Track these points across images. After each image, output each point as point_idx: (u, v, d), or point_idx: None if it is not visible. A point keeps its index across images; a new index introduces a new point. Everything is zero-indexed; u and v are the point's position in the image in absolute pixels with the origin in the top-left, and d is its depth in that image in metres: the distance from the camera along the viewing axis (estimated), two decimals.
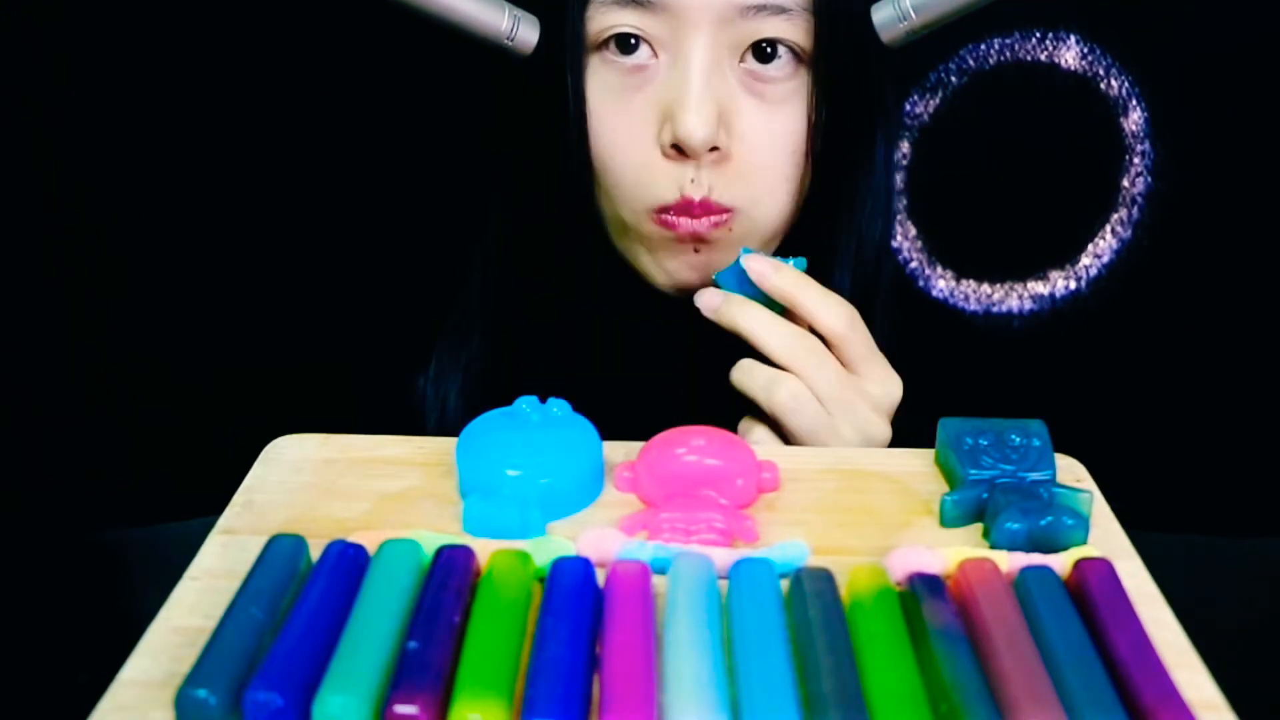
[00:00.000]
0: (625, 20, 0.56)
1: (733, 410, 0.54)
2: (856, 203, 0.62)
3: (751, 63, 0.56)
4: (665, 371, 0.62)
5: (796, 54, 0.57)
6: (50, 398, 0.75)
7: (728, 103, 0.56)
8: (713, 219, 0.57)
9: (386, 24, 0.68)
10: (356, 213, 0.76)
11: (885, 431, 0.54)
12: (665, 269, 0.60)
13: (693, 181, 0.56)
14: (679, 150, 0.55)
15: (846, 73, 0.58)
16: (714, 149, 0.56)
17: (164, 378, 0.76)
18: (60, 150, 0.72)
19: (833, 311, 0.53)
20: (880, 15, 0.56)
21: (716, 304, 0.54)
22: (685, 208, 0.56)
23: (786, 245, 0.61)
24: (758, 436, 0.54)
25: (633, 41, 0.56)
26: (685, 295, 0.60)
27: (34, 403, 0.75)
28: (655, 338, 0.62)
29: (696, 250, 0.58)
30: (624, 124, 0.57)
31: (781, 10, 0.55)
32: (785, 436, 0.53)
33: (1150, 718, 0.32)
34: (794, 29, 0.56)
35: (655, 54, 0.56)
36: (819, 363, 0.52)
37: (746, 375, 0.53)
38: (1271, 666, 0.77)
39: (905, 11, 0.55)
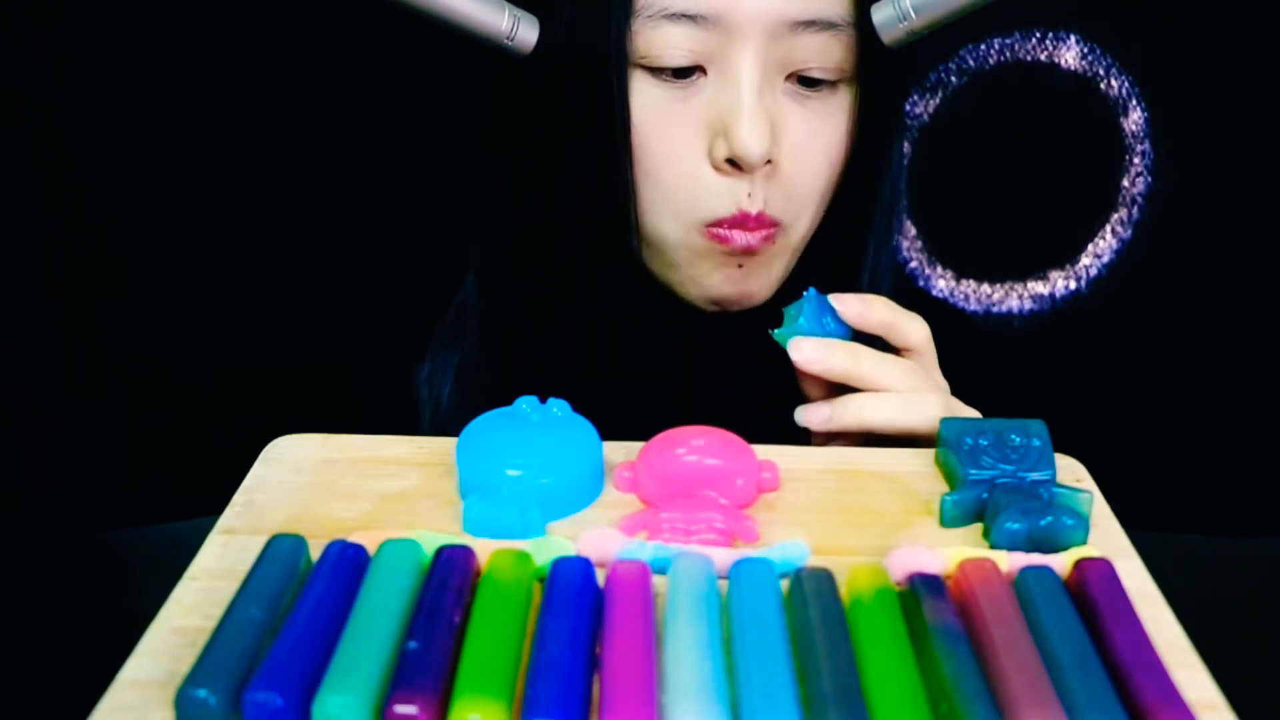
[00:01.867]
0: (674, 35, 0.55)
1: (733, 410, 0.54)
2: (879, 209, 0.63)
3: (801, 78, 0.57)
4: (665, 372, 0.62)
5: (842, 68, 0.57)
6: (50, 397, 0.75)
7: (777, 115, 0.56)
8: (764, 233, 0.57)
9: (386, 23, 0.68)
10: (356, 212, 0.76)
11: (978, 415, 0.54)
12: (704, 284, 0.59)
13: (749, 196, 0.56)
14: (732, 164, 0.55)
15: (885, 84, 0.59)
16: (767, 161, 0.56)
17: (164, 378, 0.76)
18: (60, 150, 0.72)
19: (918, 327, 0.54)
20: (880, 15, 0.56)
21: (823, 355, 0.52)
22: (741, 221, 0.56)
23: (810, 252, 0.61)
24: None
25: (680, 57, 0.56)
26: (714, 308, 0.60)
27: (34, 403, 0.75)
28: (655, 339, 0.62)
29: (740, 266, 0.58)
30: (671, 138, 0.57)
31: (830, 25, 0.55)
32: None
33: (1150, 718, 0.32)
34: (839, 44, 0.56)
35: (703, 69, 0.56)
36: (923, 379, 0.53)
37: (884, 408, 0.51)
38: (1271, 666, 0.77)
39: (905, 11, 0.55)
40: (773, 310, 0.56)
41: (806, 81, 0.57)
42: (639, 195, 0.59)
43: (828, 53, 0.56)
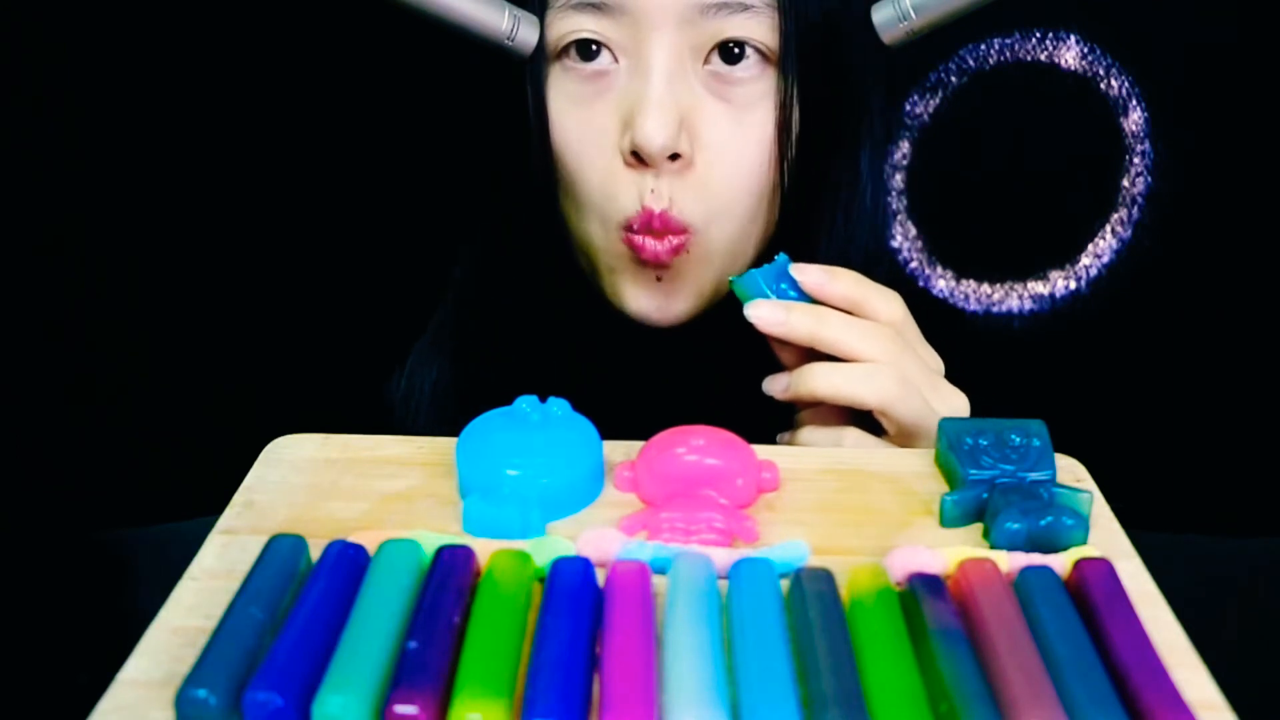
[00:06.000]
0: (584, 25, 0.54)
1: (733, 410, 0.54)
2: (839, 212, 0.60)
3: (717, 64, 0.55)
4: (664, 373, 0.62)
5: (763, 54, 0.55)
6: (51, 398, 0.76)
7: (691, 107, 0.54)
8: (673, 241, 0.55)
9: (375, 32, 0.68)
10: (356, 212, 0.76)
11: (965, 400, 0.53)
12: (627, 295, 0.58)
13: (653, 191, 0.54)
14: (638, 157, 0.54)
15: (819, 73, 0.56)
16: (676, 156, 0.54)
17: (164, 377, 0.76)
18: (60, 152, 0.72)
19: (890, 303, 0.52)
20: (880, 15, 0.56)
21: (781, 318, 0.51)
22: (646, 221, 0.54)
23: (763, 259, 0.59)
24: (854, 439, 0.51)
25: (594, 47, 0.55)
26: (647, 324, 0.59)
27: (34, 403, 0.75)
28: (652, 340, 0.62)
29: (659, 279, 0.57)
30: (586, 132, 0.56)
31: (744, 7, 0.53)
32: (878, 431, 0.51)
33: (1150, 718, 0.32)
34: (758, 26, 0.54)
35: (616, 59, 0.55)
36: (903, 349, 0.51)
37: (835, 377, 0.50)
38: (1271, 666, 0.77)
39: (905, 11, 0.55)
40: None
41: (728, 60, 0.55)
42: (564, 197, 0.58)
43: (745, 36, 0.54)
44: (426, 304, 0.67)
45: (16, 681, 0.75)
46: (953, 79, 0.77)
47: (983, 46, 0.77)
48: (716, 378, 0.60)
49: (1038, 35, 0.76)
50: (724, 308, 0.59)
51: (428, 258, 0.73)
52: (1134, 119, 0.77)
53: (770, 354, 0.54)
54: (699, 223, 0.55)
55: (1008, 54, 0.77)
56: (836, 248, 0.60)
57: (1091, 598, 0.36)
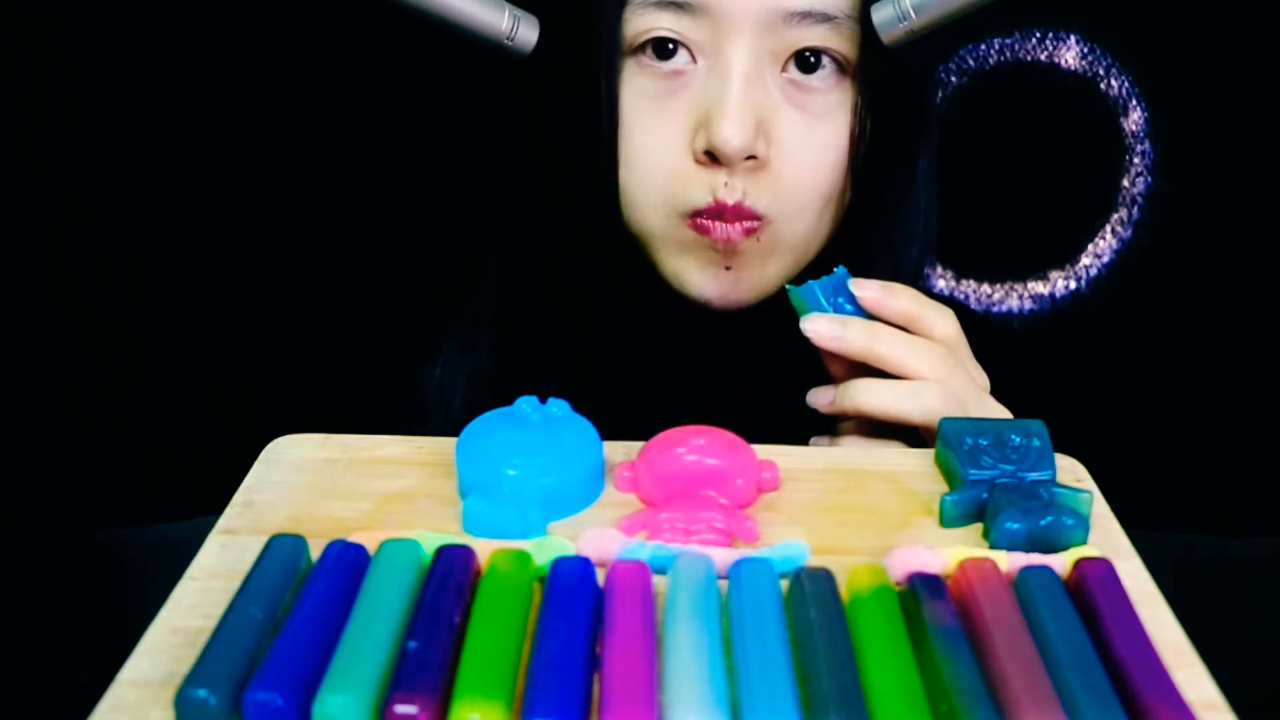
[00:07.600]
0: (664, 23, 0.54)
1: (733, 410, 0.54)
2: (896, 221, 0.61)
3: (794, 72, 0.55)
4: (666, 371, 0.62)
5: (840, 64, 0.55)
6: (51, 398, 0.76)
7: (768, 112, 0.55)
8: (745, 225, 0.55)
9: (393, 21, 0.68)
10: (360, 212, 0.76)
11: (1010, 416, 0.53)
12: (692, 281, 0.58)
13: (725, 185, 0.54)
14: (712, 157, 0.54)
15: (892, 86, 0.57)
16: (751, 157, 0.54)
17: (164, 378, 0.76)
18: (61, 152, 0.72)
19: (944, 320, 0.52)
20: (880, 15, 0.56)
21: (838, 332, 0.51)
22: (718, 211, 0.55)
23: (821, 261, 0.60)
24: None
25: (670, 46, 0.55)
26: (711, 307, 0.59)
27: (35, 403, 0.75)
28: (657, 337, 0.62)
29: (728, 267, 0.57)
30: (658, 129, 0.56)
31: (827, 18, 0.54)
32: (919, 444, 0.51)
33: (1150, 718, 0.32)
34: (839, 38, 0.55)
35: (694, 59, 0.55)
36: (953, 368, 0.51)
37: (882, 394, 0.51)
38: (1271, 666, 0.77)
39: (905, 11, 0.55)
40: (775, 313, 0.55)
41: (805, 69, 0.55)
42: (621, 186, 0.58)
43: (824, 46, 0.55)
44: (426, 304, 0.68)
45: (16, 681, 0.75)
46: (953, 79, 0.78)
47: (983, 46, 0.77)
48: (718, 377, 0.60)
49: (1038, 35, 0.76)
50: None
51: (426, 257, 0.73)
52: (1134, 119, 0.77)
53: (774, 354, 0.54)
54: (773, 213, 0.56)
55: (1008, 54, 0.77)
56: (892, 255, 0.61)
57: (1091, 597, 0.36)
